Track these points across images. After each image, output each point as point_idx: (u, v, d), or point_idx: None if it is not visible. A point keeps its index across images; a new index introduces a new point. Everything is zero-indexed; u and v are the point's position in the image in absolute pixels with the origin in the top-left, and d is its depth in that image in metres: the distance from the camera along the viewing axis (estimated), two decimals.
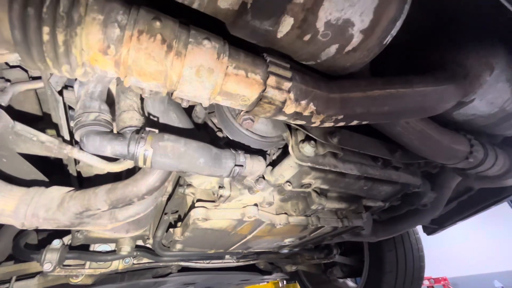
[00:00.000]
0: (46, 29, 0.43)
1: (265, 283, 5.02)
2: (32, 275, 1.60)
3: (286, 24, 0.61)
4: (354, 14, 0.63)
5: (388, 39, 0.69)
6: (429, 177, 1.54)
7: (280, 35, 0.65)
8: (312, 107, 0.71)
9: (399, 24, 0.68)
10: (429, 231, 2.42)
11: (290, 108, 0.69)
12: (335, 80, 0.78)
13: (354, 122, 0.82)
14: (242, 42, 0.71)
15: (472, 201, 1.92)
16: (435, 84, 0.82)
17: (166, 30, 0.53)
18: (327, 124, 0.79)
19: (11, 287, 1.49)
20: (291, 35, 0.65)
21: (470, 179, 1.36)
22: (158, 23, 0.52)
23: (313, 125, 0.77)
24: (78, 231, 1.39)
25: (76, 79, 0.90)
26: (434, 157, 1.06)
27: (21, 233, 1.50)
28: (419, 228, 2.59)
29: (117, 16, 0.49)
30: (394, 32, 0.68)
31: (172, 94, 0.62)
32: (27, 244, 1.49)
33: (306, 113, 0.72)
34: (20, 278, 1.56)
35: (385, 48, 0.73)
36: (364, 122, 0.84)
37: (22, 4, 0.40)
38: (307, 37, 0.65)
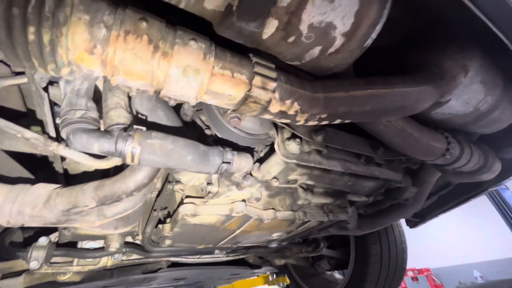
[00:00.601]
0: (31, 29, 0.43)
1: (255, 277, 5.10)
2: (18, 273, 1.58)
3: (271, 26, 0.63)
4: (336, 17, 0.65)
5: (369, 42, 0.73)
6: (411, 172, 1.61)
7: (265, 36, 0.67)
8: (296, 106, 0.74)
9: (379, 27, 0.71)
10: (412, 224, 2.53)
11: (275, 107, 0.72)
12: (319, 80, 0.81)
13: (337, 121, 0.85)
14: (229, 42, 0.73)
15: (451, 195, 2.02)
16: (414, 85, 0.87)
17: (153, 30, 0.54)
18: (311, 123, 0.82)
19: None
20: (276, 37, 0.67)
21: (448, 174, 1.43)
22: (144, 24, 0.53)
23: (298, 123, 0.80)
24: (65, 228, 1.38)
25: (61, 76, 0.89)
26: (414, 154, 1.12)
27: (6, 231, 1.48)
28: (403, 222, 2.70)
29: (103, 16, 0.49)
30: (374, 35, 0.72)
31: (159, 93, 0.63)
32: (12, 242, 1.46)
33: (290, 112, 0.75)
34: (5, 276, 1.54)
35: (369, 49, 0.77)
36: (347, 121, 0.88)
37: (7, 5, 0.41)
38: (291, 39, 0.68)
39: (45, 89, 0.97)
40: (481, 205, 7.74)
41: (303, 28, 0.65)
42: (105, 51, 0.51)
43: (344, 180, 1.22)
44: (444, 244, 9.23)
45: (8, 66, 1.01)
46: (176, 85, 0.59)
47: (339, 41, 0.70)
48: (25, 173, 1.10)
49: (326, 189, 1.32)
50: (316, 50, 0.72)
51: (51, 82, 1.03)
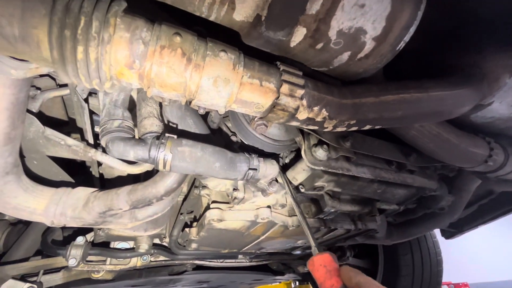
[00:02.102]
0: (80, 49, 0.47)
1: (277, 283, 5.03)
2: (57, 269, 1.70)
3: (299, 34, 0.63)
4: (366, 22, 0.64)
5: (401, 45, 0.70)
6: (447, 180, 1.50)
7: (293, 44, 0.67)
8: (324, 113, 0.73)
9: (412, 30, 0.68)
10: (448, 235, 2.35)
11: (302, 114, 0.71)
12: (347, 86, 0.79)
13: (367, 127, 0.82)
14: (256, 49, 0.74)
15: (493, 204, 1.86)
16: (451, 88, 0.81)
17: (186, 44, 0.57)
18: (339, 129, 0.80)
19: (39, 279, 1.59)
20: (304, 44, 0.67)
21: (490, 182, 1.32)
22: (178, 38, 0.56)
23: (326, 130, 0.79)
24: (100, 229, 1.47)
25: None
26: (451, 160, 1.04)
27: (48, 229, 1.60)
28: (437, 232, 2.52)
29: (142, 33, 0.53)
30: (407, 38, 0.69)
31: (190, 102, 0.65)
32: (53, 240, 1.59)
33: (318, 119, 0.74)
34: (47, 272, 1.66)
35: (399, 53, 0.74)
36: (377, 127, 0.84)
37: (60, 27, 0.45)
38: (319, 46, 0.67)
39: (85, 99, 1.06)
40: None
41: (332, 34, 0.64)
42: (143, 66, 0.54)
43: (374, 187, 1.17)
44: (485, 257, 8.43)
45: (53, 79, 1.11)
46: (206, 95, 0.61)
47: (369, 46, 0.68)
48: (67, 177, 1.19)
49: (354, 197, 1.27)
50: (345, 56, 0.70)
51: (91, 93, 1.11)
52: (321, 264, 0.69)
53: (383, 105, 0.77)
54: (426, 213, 1.72)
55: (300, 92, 0.68)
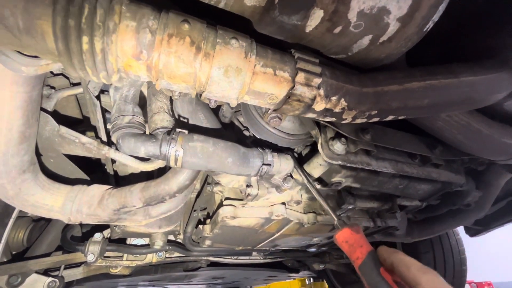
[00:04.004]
0: (85, 39, 0.45)
1: (292, 279, 5.00)
2: (77, 264, 1.75)
3: (316, 17, 0.58)
4: (390, 1, 0.58)
5: (430, 25, 0.63)
6: (474, 174, 1.40)
7: (308, 29, 0.62)
8: (343, 103, 0.68)
9: (442, 8, 0.61)
10: (473, 232, 2.22)
11: (320, 105, 0.67)
12: (367, 73, 0.73)
13: (389, 117, 0.76)
14: (267, 39, 0.69)
15: None
16: (484, 72, 0.74)
17: (195, 32, 0.53)
18: (359, 120, 0.75)
19: (61, 274, 1.64)
20: (321, 28, 0.62)
21: None
22: (186, 26, 0.52)
23: (344, 121, 0.74)
24: (116, 225, 1.49)
25: (111, 84, 0.95)
26: (481, 153, 0.96)
27: (68, 226, 1.65)
28: (460, 229, 2.39)
29: (148, 21, 0.50)
30: (436, 17, 0.62)
31: (201, 95, 0.62)
32: (73, 237, 1.63)
33: (337, 110, 0.69)
34: (67, 266, 1.71)
35: (423, 36, 0.67)
36: (400, 117, 0.78)
37: (64, 17, 0.43)
38: (337, 29, 0.62)
39: (97, 97, 1.05)
40: None
41: (352, 16, 0.59)
42: (150, 56, 0.51)
43: (395, 182, 1.10)
44: (510, 255, 8.01)
45: (67, 78, 1.12)
46: (217, 86, 0.58)
47: (393, 28, 0.62)
48: (82, 175, 1.20)
49: (373, 193, 1.21)
50: (366, 40, 0.65)
51: (103, 91, 1.11)
52: (343, 241, 0.71)
53: (408, 93, 0.71)
54: (451, 209, 1.62)
55: (317, 81, 0.63)
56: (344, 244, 0.71)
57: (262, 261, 2.07)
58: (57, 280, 1.56)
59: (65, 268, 1.68)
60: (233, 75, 0.57)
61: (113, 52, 0.48)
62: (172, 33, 0.51)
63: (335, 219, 0.83)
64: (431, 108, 0.76)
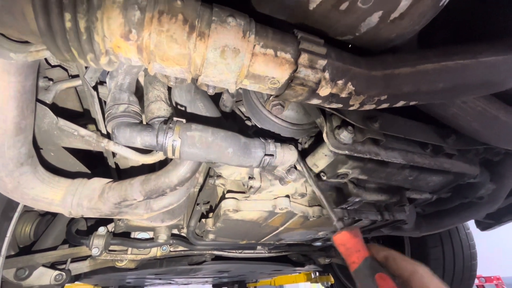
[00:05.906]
0: (67, 16, 0.41)
1: (297, 273, 5.01)
2: (84, 258, 1.76)
3: None
4: None
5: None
6: (488, 165, 1.33)
7: (312, 6, 0.57)
8: (350, 87, 0.63)
9: None
10: (484, 226, 2.15)
11: (325, 90, 0.62)
12: (376, 56, 0.68)
13: (400, 103, 0.71)
14: (267, 21, 0.65)
15: None
16: (507, 52, 0.67)
17: (188, 9, 0.49)
18: (367, 107, 0.70)
19: (67, 267, 1.66)
20: (326, 5, 0.57)
21: None
22: (179, 2, 0.48)
23: (351, 108, 0.69)
24: (119, 219, 1.48)
25: (108, 73, 0.92)
26: (499, 142, 0.90)
27: (73, 220, 1.65)
28: (470, 222, 2.32)
29: None
30: None
31: (197, 80, 0.58)
32: (78, 230, 1.63)
33: (343, 95, 0.64)
34: (74, 260, 1.73)
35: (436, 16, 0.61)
36: (412, 103, 0.73)
37: None
38: (344, 6, 0.57)
39: (95, 88, 1.03)
40: None
41: None
42: (140, 36, 0.48)
43: (404, 174, 1.05)
44: None
45: (65, 70, 1.09)
46: (214, 69, 0.54)
47: (405, 2, 0.56)
48: (83, 168, 1.19)
49: (381, 185, 1.16)
50: (375, 17, 0.59)
51: (101, 82, 1.08)
52: (340, 243, 0.71)
53: (421, 76, 0.65)
54: (462, 202, 1.56)
55: (321, 62, 0.58)
56: (341, 247, 0.71)
57: (267, 255, 2.06)
58: (63, 273, 1.57)
59: (71, 262, 1.69)
60: (231, 57, 0.53)
61: (99, 31, 0.44)
62: (163, 9, 0.47)
63: (334, 219, 0.81)
64: (446, 93, 0.70)
